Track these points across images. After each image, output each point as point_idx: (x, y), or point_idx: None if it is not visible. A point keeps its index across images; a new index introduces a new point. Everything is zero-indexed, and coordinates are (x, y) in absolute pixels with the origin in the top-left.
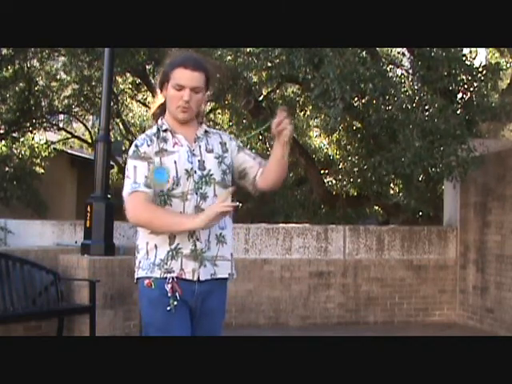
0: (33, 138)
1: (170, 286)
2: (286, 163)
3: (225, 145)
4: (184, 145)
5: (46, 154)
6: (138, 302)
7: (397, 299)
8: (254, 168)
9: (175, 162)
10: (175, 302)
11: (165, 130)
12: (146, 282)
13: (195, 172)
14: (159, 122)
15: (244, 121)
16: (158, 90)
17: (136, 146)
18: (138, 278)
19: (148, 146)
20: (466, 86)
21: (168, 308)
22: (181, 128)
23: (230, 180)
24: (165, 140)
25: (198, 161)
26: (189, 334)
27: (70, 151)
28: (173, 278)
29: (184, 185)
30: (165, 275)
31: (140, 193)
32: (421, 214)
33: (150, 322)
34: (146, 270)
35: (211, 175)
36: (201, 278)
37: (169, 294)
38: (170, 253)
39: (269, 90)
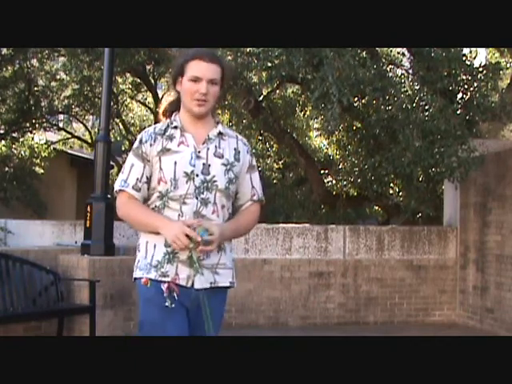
0: (33, 138)
1: (165, 285)
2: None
3: (239, 153)
4: (190, 145)
5: (46, 154)
6: (138, 302)
7: (397, 299)
8: (245, 197)
9: (175, 163)
10: (171, 302)
11: (174, 127)
12: (143, 280)
13: (197, 175)
14: (172, 117)
15: (244, 121)
16: (172, 86)
17: (140, 141)
18: (135, 278)
19: (150, 145)
20: (466, 86)
21: (165, 305)
22: (193, 126)
23: (233, 191)
24: (171, 138)
25: (203, 164)
26: (184, 333)
27: (69, 151)
28: (168, 281)
29: (182, 188)
30: (159, 278)
31: (126, 193)
32: (421, 214)
33: (144, 319)
34: (143, 270)
35: (214, 181)
36: (196, 286)
37: (165, 294)
38: (167, 256)
39: (269, 90)
